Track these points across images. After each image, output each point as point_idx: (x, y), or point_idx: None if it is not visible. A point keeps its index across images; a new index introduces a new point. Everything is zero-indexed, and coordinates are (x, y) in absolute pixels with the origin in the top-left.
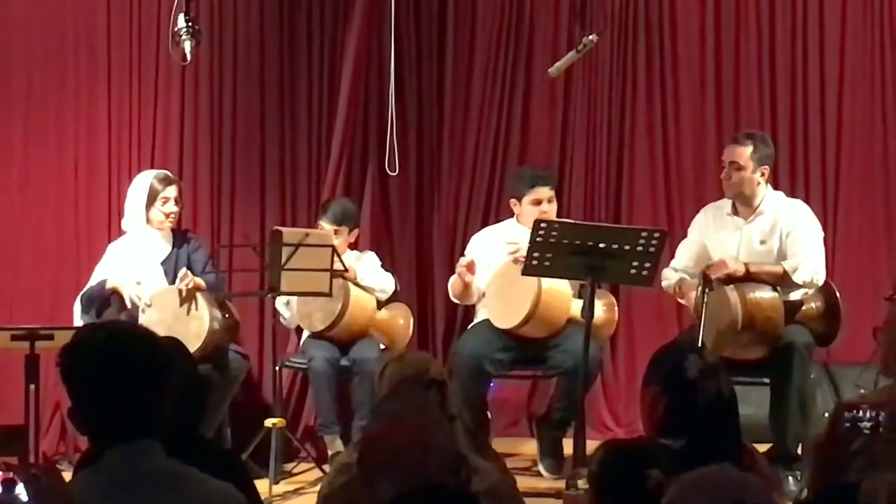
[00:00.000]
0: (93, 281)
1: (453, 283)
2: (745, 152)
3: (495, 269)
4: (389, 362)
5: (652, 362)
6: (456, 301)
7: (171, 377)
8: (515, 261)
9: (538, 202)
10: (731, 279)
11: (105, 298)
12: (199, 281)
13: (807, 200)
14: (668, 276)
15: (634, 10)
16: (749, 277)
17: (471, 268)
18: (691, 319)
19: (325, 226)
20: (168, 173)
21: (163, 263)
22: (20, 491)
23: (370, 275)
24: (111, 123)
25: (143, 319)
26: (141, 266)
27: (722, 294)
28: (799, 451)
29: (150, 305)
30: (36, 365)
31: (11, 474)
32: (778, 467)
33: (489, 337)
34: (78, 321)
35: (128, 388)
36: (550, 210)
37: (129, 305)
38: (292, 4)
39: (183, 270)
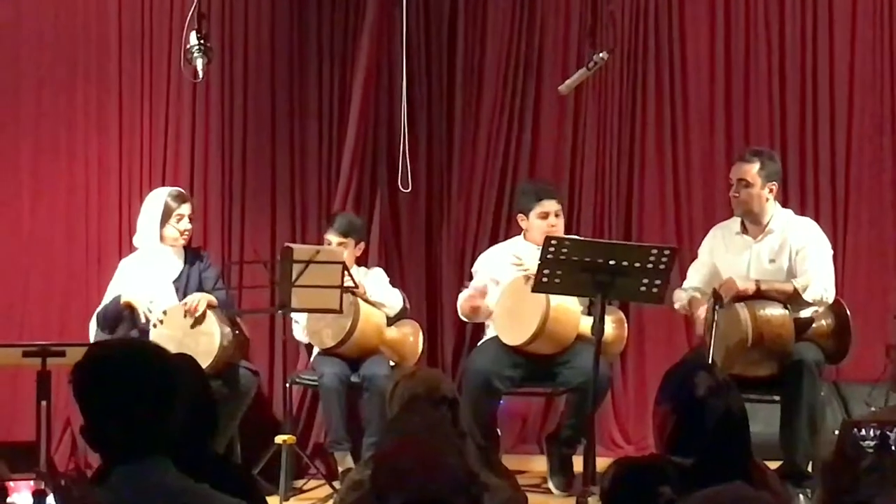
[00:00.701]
0: (107, 299)
1: (463, 303)
2: (752, 169)
3: (504, 287)
4: (401, 379)
5: (663, 381)
6: (465, 319)
7: (182, 394)
8: (526, 278)
9: (545, 215)
10: (741, 297)
11: (119, 313)
12: (210, 297)
13: (816, 218)
14: (680, 297)
15: (644, 28)
16: (759, 295)
17: (483, 294)
18: (701, 336)
19: (331, 238)
20: (182, 190)
21: (175, 282)
22: (50, 502)
23: (378, 291)
24: (122, 140)
25: (154, 336)
26: (153, 284)
27: (732, 311)
28: (809, 468)
29: (161, 321)
30: (48, 381)
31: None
32: (788, 485)
33: (499, 354)
34: (93, 339)
35: (139, 405)
36: (558, 224)
37: (142, 320)
38: (303, 22)
39: (192, 299)
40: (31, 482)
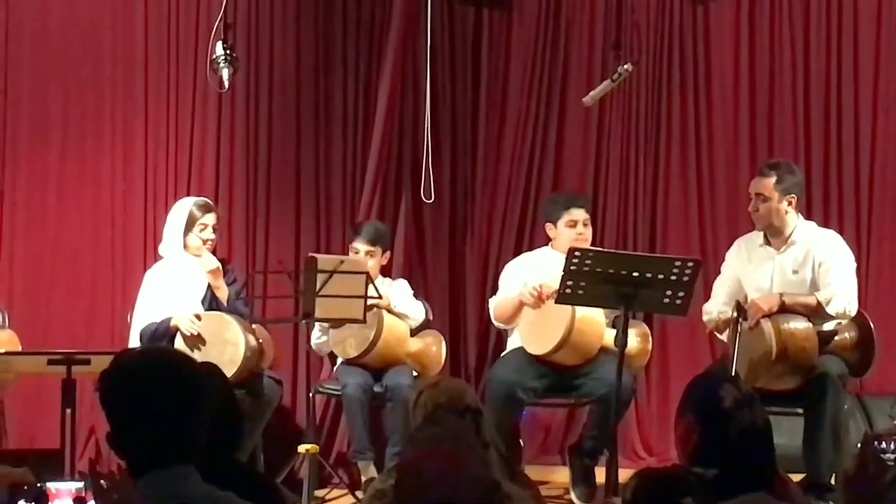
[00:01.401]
0: (143, 313)
1: (503, 304)
2: (769, 183)
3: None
4: (424, 389)
5: (686, 392)
6: (498, 324)
7: (207, 402)
8: (546, 297)
9: (573, 224)
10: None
11: (171, 336)
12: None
13: (840, 231)
14: (710, 311)
15: (669, 40)
16: (783, 309)
17: (542, 296)
18: (725, 349)
19: (359, 247)
20: (207, 201)
21: (202, 301)
22: None
23: (402, 302)
24: (148, 149)
25: (179, 345)
26: (181, 301)
27: (756, 325)
28: (832, 481)
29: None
30: (72, 389)
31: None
32: (811, 497)
33: (522, 364)
34: None
35: (165, 414)
36: (586, 233)
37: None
38: (328, 33)
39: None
40: (72, 489)
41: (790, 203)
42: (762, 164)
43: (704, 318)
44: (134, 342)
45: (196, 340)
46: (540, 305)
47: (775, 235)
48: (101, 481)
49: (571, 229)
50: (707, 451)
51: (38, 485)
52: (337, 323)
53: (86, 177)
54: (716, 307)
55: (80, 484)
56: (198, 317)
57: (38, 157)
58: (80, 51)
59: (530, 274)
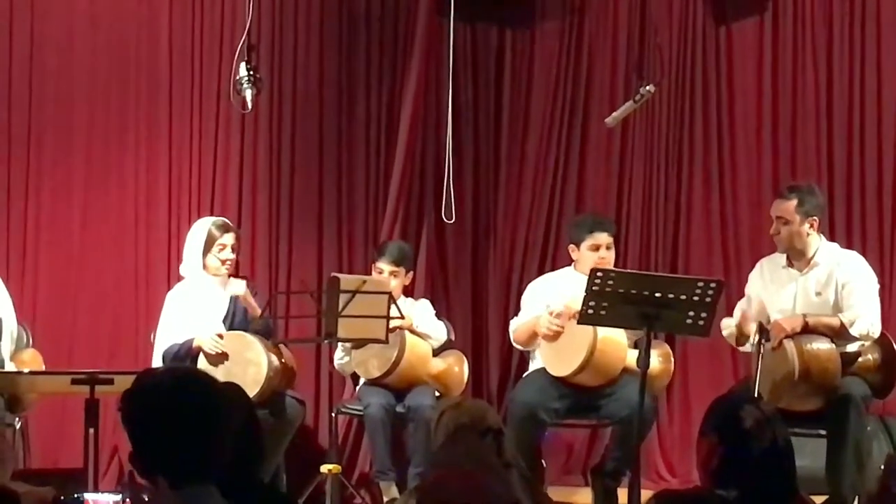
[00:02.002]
0: (166, 334)
1: (521, 329)
2: (790, 206)
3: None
4: (446, 409)
5: (708, 412)
6: (517, 345)
7: (230, 422)
8: (569, 318)
9: (597, 247)
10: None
11: (194, 357)
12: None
13: (863, 252)
14: (728, 325)
15: (692, 61)
16: (806, 330)
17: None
18: (747, 370)
19: (383, 267)
20: (226, 220)
21: (224, 320)
22: None
23: (424, 322)
24: (171, 169)
25: (202, 365)
26: (203, 321)
27: (779, 346)
28: (855, 502)
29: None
30: (96, 409)
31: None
32: None
33: (544, 385)
34: None
35: (187, 433)
36: (608, 256)
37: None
38: (351, 54)
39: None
40: (110, 501)
41: (812, 225)
42: (783, 187)
43: (724, 332)
44: (157, 363)
45: (219, 360)
46: (555, 340)
47: (798, 258)
48: (143, 495)
49: (594, 252)
50: (728, 471)
51: (76, 495)
52: (359, 343)
53: (110, 197)
54: (733, 319)
55: (118, 497)
56: (220, 336)
57: (62, 178)
58: (105, 73)
59: (552, 295)
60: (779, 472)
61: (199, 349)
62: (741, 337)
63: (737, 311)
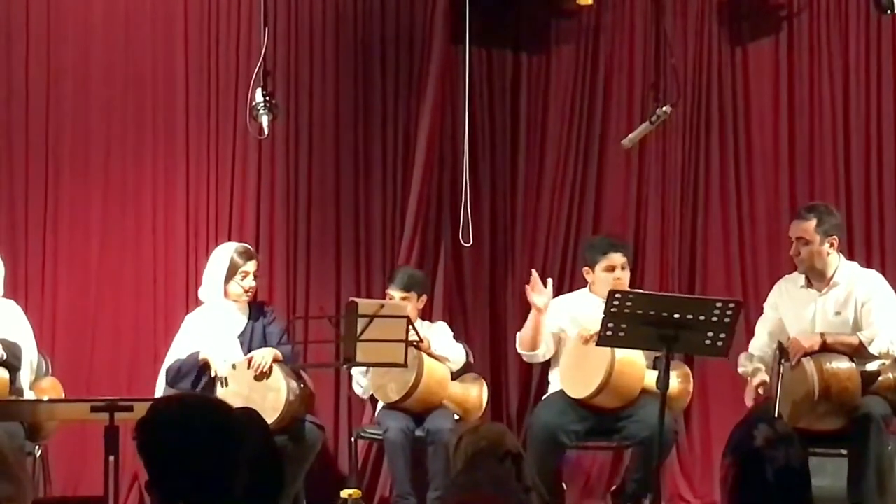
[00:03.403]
0: (174, 353)
1: (522, 333)
2: (810, 226)
3: (569, 339)
4: (464, 434)
5: (730, 434)
6: (523, 351)
7: (245, 449)
8: (585, 342)
9: (611, 269)
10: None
11: (199, 371)
12: (276, 352)
13: (882, 271)
14: (744, 364)
15: (708, 82)
16: (825, 348)
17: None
18: (768, 391)
19: (394, 294)
20: (248, 247)
21: (239, 336)
22: None
23: (442, 345)
24: (189, 195)
25: (221, 392)
26: (218, 339)
27: (798, 365)
28: None
29: (226, 381)
30: (115, 436)
31: None
32: None
33: (564, 408)
34: (160, 394)
35: (202, 460)
36: (623, 277)
37: (214, 375)
38: (367, 79)
39: (259, 356)
40: None
41: (832, 245)
42: (801, 208)
43: (739, 370)
44: (160, 381)
45: (235, 385)
46: (542, 312)
47: (818, 278)
48: None
49: (609, 274)
50: (744, 492)
51: None
52: (377, 367)
53: (127, 225)
54: (751, 363)
55: None
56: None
57: (79, 207)
58: (121, 100)
59: (567, 316)
60: (794, 492)
61: (206, 362)
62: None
63: (759, 334)
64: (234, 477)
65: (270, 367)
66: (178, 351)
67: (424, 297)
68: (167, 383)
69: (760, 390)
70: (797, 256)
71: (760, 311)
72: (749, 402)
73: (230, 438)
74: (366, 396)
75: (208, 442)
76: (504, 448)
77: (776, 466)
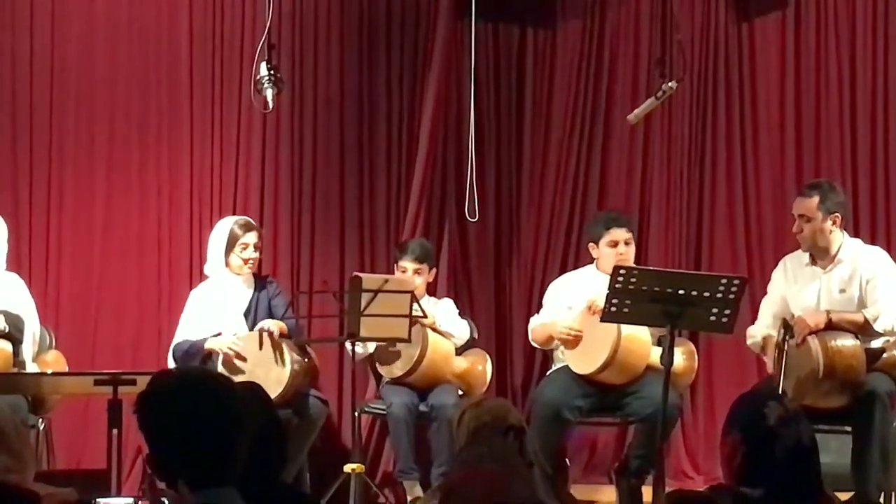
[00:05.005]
0: (182, 332)
1: (539, 331)
2: (812, 204)
3: (575, 315)
4: (467, 409)
5: (732, 410)
6: (535, 344)
7: (247, 423)
8: (593, 312)
9: (615, 244)
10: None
11: (204, 356)
12: (281, 324)
13: (887, 247)
14: (754, 334)
15: (714, 57)
16: (830, 326)
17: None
18: (772, 367)
19: (407, 265)
20: (248, 219)
21: (244, 313)
22: None
23: (447, 321)
24: (193, 170)
25: (221, 367)
26: (224, 318)
27: (803, 342)
28: (881, 499)
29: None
30: (118, 410)
31: None
32: None
33: (568, 384)
34: None
35: (203, 435)
36: (627, 252)
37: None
38: (372, 53)
39: (265, 324)
40: None
41: (834, 222)
42: (804, 185)
43: (748, 341)
44: (169, 358)
45: (239, 359)
46: (573, 346)
47: (821, 255)
48: (163, 499)
49: (613, 249)
50: (752, 469)
51: (92, 501)
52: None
53: (131, 198)
54: (760, 329)
55: (130, 500)
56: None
57: (83, 179)
58: (126, 72)
59: (574, 294)
60: (804, 469)
61: (210, 351)
62: (767, 347)
63: (763, 315)
64: (236, 451)
65: (278, 341)
66: (185, 329)
67: (434, 271)
68: (175, 362)
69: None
70: (800, 234)
71: (765, 288)
72: (770, 368)
73: (231, 413)
74: (363, 355)
75: (208, 416)
76: (507, 423)
77: (787, 444)
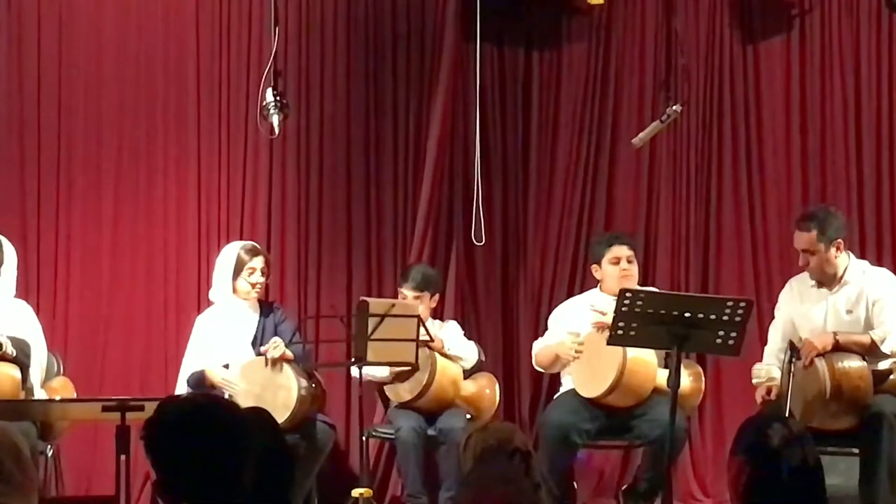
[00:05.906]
0: (190, 360)
1: (543, 352)
2: (811, 238)
3: (581, 339)
4: (473, 432)
5: (738, 432)
6: (538, 367)
7: (252, 448)
8: (600, 329)
9: (617, 261)
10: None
11: (204, 387)
12: (288, 353)
13: (893, 268)
14: (758, 375)
15: (719, 80)
16: (837, 348)
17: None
18: (777, 392)
19: (407, 293)
20: (255, 244)
21: (251, 342)
22: None
23: (454, 344)
24: (200, 195)
25: (233, 390)
26: (231, 345)
27: (810, 364)
28: None
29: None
30: (127, 436)
31: None
32: None
33: (575, 407)
34: None
35: (209, 460)
36: (631, 269)
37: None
38: (378, 78)
39: (275, 339)
40: None
41: (838, 248)
42: (799, 218)
43: (753, 380)
44: (181, 389)
45: (246, 383)
46: (576, 358)
47: (829, 279)
48: None
49: (615, 266)
50: (758, 491)
51: None
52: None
53: (139, 224)
54: (765, 371)
55: None
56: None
57: (91, 205)
58: (133, 99)
59: (576, 320)
60: (809, 490)
61: (213, 385)
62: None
63: (772, 339)
64: (242, 477)
65: (282, 364)
66: (195, 356)
67: (437, 296)
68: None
69: (772, 394)
70: (806, 266)
71: (772, 310)
72: (758, 400)
73: (238, 439)
74: (383, 380)
75: (215, 442)
76: (513, 445)
77: (792, 465)
